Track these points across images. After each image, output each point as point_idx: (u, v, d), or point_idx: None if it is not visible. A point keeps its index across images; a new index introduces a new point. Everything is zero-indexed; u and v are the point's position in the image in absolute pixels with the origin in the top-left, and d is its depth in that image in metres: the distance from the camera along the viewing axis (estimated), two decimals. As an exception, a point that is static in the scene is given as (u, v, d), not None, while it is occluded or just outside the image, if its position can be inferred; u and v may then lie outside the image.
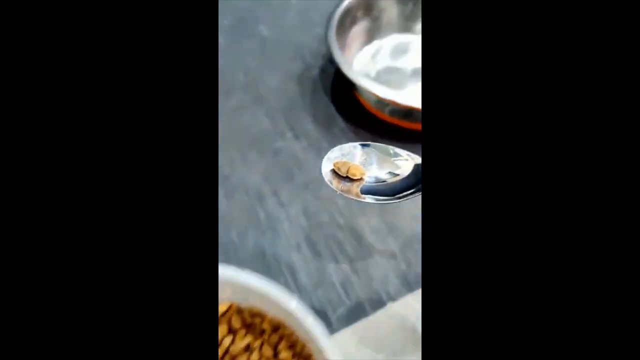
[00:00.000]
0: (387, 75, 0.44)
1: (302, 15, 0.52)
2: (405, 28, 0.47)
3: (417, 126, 0.39)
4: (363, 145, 0.28)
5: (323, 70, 0.46)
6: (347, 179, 0.27)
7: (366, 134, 0.41)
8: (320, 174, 0.28)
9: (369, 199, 0.27)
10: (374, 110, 0.40)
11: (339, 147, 0.28)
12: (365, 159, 0.28)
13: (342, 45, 0.42)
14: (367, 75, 0.44)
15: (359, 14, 0.44)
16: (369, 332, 0.30)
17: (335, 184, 0.27)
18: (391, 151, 0.29)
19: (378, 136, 0.40)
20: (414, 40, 0.47)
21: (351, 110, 0.42)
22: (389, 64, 0.45)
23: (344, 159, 0.28)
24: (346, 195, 0.26)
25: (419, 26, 0.47)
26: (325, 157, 0.28)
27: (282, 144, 0.40)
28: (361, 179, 0.27)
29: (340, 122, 0.42)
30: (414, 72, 0.44)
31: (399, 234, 0.35)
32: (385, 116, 0.39)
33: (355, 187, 0.27)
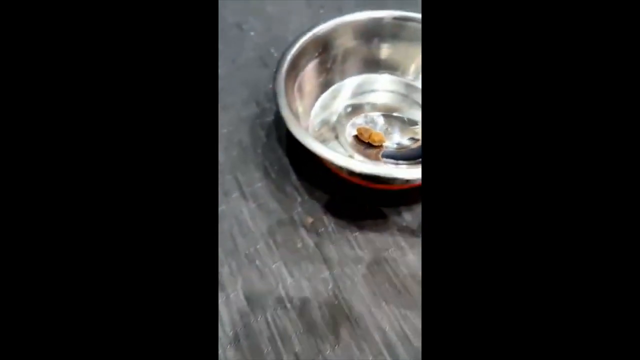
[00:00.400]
0: (345, 122, 0.39)
1: (260, 50, 0.47)
2: (369, 66, 0.42)
3: (382, 186, 0.34)
4: (385, 115, 0.31)
5: (279, 116, 0.42)
6: (369, 145, 0.30)
7: (323, 195, 0.35)
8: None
9: (390, 163, 0.30)
10: (332, 167, 0.35)
11: (363, 114, 0.31)
12: (387, 128, 0.31)
13: (297, 89, 0.38)
14: (327, 123, 0.39)
15: (317, 52, 0.39)
16: None
17: (357, 149, 0.30)
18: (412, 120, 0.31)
19: (338, 196, 0.35)
20: (378, 80, 0.42)
21: (307, 163, 0.37)
22: (351, 107, 0.40)
23: (368, 126, 0.30)
24: (367, 159, 0.30)
25: (384, 63, 0.42)
26: (350, 122, 0.31)
27: (226, 207, 0.35)
28: (381, 146, 0.30)
29: (293, 179, 0.37)
30: (379, 116, 0.39)
31: None
32: (344, 175, 0.34)
33: (376, 153, 0.30)
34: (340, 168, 0.30)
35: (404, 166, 0.32)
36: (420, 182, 0.30)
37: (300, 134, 0.31)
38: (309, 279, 0.31)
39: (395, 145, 0.30)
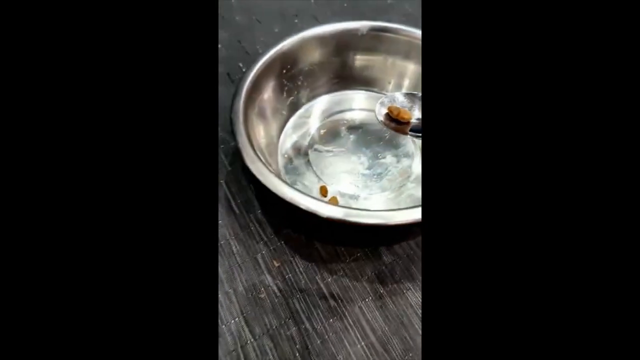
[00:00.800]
0: (321, 146, 0.35)
1: (227, 65, 0.43)
2: (343, 83, 0.38)
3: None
4: (405, 94, 0.32)
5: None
6: (398, 121, 0.32)
7: (292, 233, 0.31)
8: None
9: (415, 136, 0.32)
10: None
11: (390, 95, 0.32)
12: (411, 105, 0.32)
13: (260, 113, 0.33)
14: (298, 148, 0.35)
15: (284, 69, 0.35)
16: None
17: (389, 126, 0.31)
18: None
19: (309, 234, 0.31)
20: (354, 98, 0.38)
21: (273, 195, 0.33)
22: (325, 129, 0.36)
23: (394, 104, 0.32)
24: (398, 134, 0.32)
25: (359, 79, 0.38)
26: (379, 102, 0.32)
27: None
28: (408, 122, 0.31)
29: (259, 213, 0.32)
30: (353, 143, 0.35)
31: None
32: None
33: (406, 128, 0.31)
34: (305, 212, 0.26)
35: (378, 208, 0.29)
36: (395, 222, 0.26)
37: (259, 171, 0.27)
38: (273, 336, 0.27)
39: (419, 121, 0.32)
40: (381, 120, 0.31)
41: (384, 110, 0.32)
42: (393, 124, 0.32)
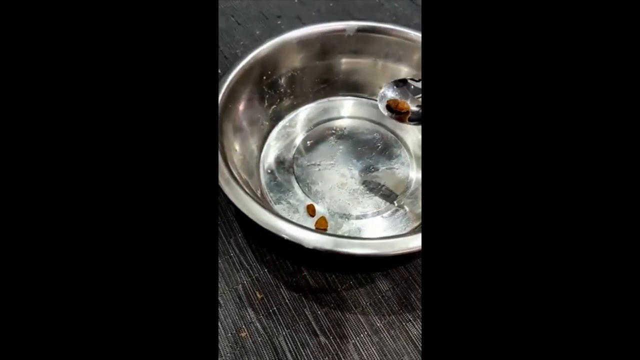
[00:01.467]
0: (307, 159, 0.32)
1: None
2: (329, 90, 0.35)
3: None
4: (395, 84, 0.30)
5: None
6: (397, 112, 0.30)
7: (276, 259, 0.27)
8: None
9: (414, 124, 0.30)
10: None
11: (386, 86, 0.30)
12: (399, 95, 0.30)
13: (237, 127, 0.30)
14: (282, 162, 0.32)
15: (264, 76, 0.31)
16: None
17: (390, 117, 0.30)
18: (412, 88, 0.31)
19: (295, 260, 0.27)
20: (342, 105, 0.35)
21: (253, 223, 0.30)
22: (311, 140, 0.33)
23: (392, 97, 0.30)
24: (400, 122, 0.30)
25: (347, 85, 0.35)
26: (380, 95, 0.30)
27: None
28: (408, 112, 0.30)
29: (239, 237, 0.29)
30: (342, 154, 0.32)
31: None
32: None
33: (405, 117, 0.29)
34: (287, 241, 0.22)
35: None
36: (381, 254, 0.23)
37: (236, 195, 0.23)
38: (256, 383, 0.23)
39: (417, 110, 0.30)
40: (388, 114, 0.30)
41: (385, 103, 0.31)
42: (394, 115, 0.30)
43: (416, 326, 0.25)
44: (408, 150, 0.32)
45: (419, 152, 0.32)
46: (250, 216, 0.23)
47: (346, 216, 0.29)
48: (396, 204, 0.30)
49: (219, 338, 0.25)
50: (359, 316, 0.26)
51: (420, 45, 0.31)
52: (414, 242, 0.22)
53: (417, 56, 0.32)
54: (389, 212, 0.29)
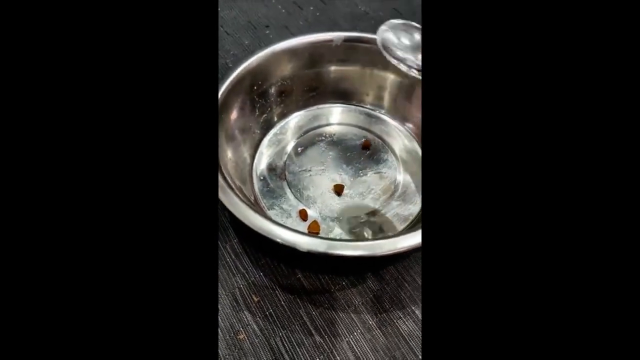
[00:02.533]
0: (299, 165, 0.33)
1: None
2: (319, 98, 0.36)
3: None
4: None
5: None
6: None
7: (271, 262, 0.28)
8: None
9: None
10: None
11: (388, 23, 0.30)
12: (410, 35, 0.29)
13: (230, 135, 0.31)
14: (274, 169, 0.33)
15: (255, 85, 0.32)
16: None
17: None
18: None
19: (290, 263, 0.29)
20: (331, 112, 0.36)
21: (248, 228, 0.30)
22: (302, 146, 0.34)
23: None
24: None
25: (336, 93, 0.36)
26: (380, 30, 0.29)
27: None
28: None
29: (235, 242, 0.30)
30: (332, 160, 0.33)
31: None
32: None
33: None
34: (281, 245, 0.23)
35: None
36: (375, 254, 0.24)
37: (231, 202, 0.24)
38: (255, 382, 0.24)
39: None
40: (383, 50, 0.28)
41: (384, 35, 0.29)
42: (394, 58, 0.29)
43: (406, 323, 0.26)
44: (395, 154, 0.34)
45: (405, 156, 0.34)
46: (246, 222, 0.24)
47: (337, 220, 0.30)
48: (385, 207, 0.31)
49: (220, 341, 0.25)
50: (351, 315, 0.27)
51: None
52: (402, 243, 0.23)
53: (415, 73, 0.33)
54: (379, 214, 0.30)
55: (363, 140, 0.34)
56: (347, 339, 0.26)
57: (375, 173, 0.33)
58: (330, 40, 0.33)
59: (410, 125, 0.35)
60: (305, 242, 0.23)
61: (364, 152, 0.34)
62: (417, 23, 0.42)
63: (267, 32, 0.45)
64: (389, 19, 0.46)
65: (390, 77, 0.34)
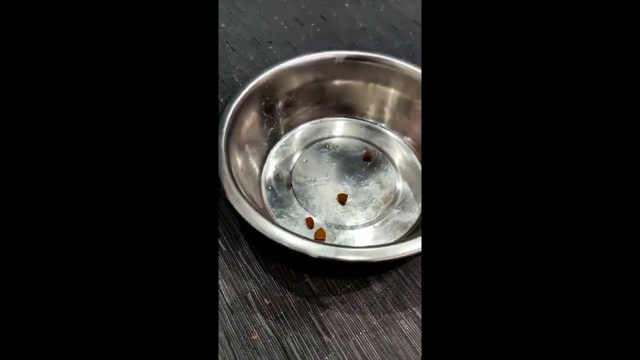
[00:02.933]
0: (304, 176, 0.35)
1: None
2: (323, 112, 0.38)
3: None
4: None
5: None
6: None
7: (281, 268, 0.30)
8: None
9: None
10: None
11: None
12: None
13: (241, 146, 0.33)
14: (281, 179, 0.35)
15: (263, 101, 0.35)
16: None
17: None
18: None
19: (299, 268, 0.30)
20: (335, 125, 0.38)
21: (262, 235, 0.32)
22: (307, 159, 0.36)
23: None
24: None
25: (339, 107, 0.38)
26: None
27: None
28: None
29: (246, 249, 0.32)
30: (336, 170, 0.35)
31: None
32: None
33: None
34: (292, 251, 0.25)
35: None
36: (377, 259, 0.26)
37: (245, 212, 0.26)
38: (269, 380, 0.26)
39: None
40: None
41: None
42: None
43: (408, 323, 0.28)
44: (394, 165, 0.36)
45: (405, 167, 0.36)
46: (260, 230, 0.26)
47: (341, 227, 0.32)
48: (386, 215, 0.33)
49: (233, 342, 0.27)
50: (357, 316, 0.29)
51: (403, 71, 0.35)
52: (403, 249, 0.25)
53: (404, 81, 0.35)
54: (379, 222, 0.32)
55: (364, 151, 0.36)
56: (353, 338, 0.28)
57: (376, 183, 0.35)
58: (333, 59, 0.36)
59: (409, 139, 0.37)
60: (315, 249, 0.25)
61: (366, 163, 0.36)
62: (413, 39, 0.44)
63: (271, 47, 0.47)
64: (386, 34, 0.49)
65: (391, 92, 0.37)
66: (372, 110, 0.37)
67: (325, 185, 0.34)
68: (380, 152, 0.36)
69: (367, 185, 0.34)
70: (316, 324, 0.28)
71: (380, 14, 0.52)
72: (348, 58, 0.36)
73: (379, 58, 0.35)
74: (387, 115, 0.37)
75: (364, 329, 0.28)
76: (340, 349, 0.27)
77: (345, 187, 0.34)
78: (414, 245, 0.25)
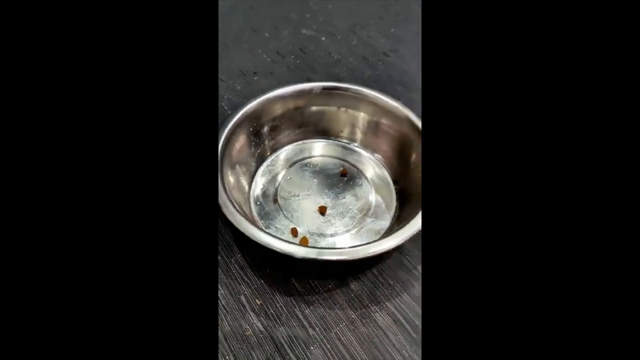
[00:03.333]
0: (288, 191, 0.39)
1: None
2: (304, 135, 0.43)
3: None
4: None
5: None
6: None
7: (270, 272, 0.34)
8: None
9: None
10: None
11: None
12: None
13: (232, 165, 0.37)
14: (267, 195, 0.39)
15: (251, 127, 0.40)
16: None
17: None
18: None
19: (286, 271, 0.35)
20: (314, 146, 0.43)
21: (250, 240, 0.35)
22: (291, 176, 0.41)
23: None
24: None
25: (317, 131, 0.43)
26: None
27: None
28: None
29: (239, 257, 0.36)
30: (317, 186, 0.40)
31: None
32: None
33: None
34: (280, 255, 0.29)
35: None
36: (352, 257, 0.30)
37: (239, 224, 0.30)
38: (262, 369, 0.30)
39: None
40: None
41: None
42: None
43: (382, 316, 0.32)
44: (367, 179, 0.41)
45: (377, 181, 0.41)
46: (252, 238, 0.30)
47: (322, 235, 0.36)
48: (361, 223, 0.37)
49: (229, 338, 0.31)
50: (337, 311, 0.32)
51: (370, 98, 0.40)
52: (375, 248, 0.30)
53: (371, 106, 0.41)
54: (356, 229, 0.37)
55: (341, 169, 0.41)
56: (334, 330, 0.31)
57: (352, 196, 0.39)
58: (311, 89, 0.41)
59: (379, 155, 0.42)
60: (300, 251, 0.29)
61: (342, 178, 0.41)
62: (382, 69, 0.48)
63: (256, 78, 0.52)
64: (357, 65, 0.55)
65: (360, 116, 0.42)
66: (345, 132, 0.42)
67: (307, 199, 0.39)
68: (355, 168, 0.41)
69: (344, 198, 0.39)
70: (302, 319, 0.32)
71: (353, 46, 0.58)
72: (324, 88, 0.41)
73: (349, 87, 0.41)
74: (359, 136, 0.42)
75: (344, 322, 0.32)
76: (324, 339, 0.31)
77: (325, 200, 0.39)
78: (383, 245, 0.30)
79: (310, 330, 0.32)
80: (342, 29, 0.61)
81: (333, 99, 0.41)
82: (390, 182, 0.40)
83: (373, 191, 0.40)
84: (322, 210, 0.38)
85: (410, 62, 0.55)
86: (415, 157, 0.38)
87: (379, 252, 0.29)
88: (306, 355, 0.30)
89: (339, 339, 0.31)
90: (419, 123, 0.37)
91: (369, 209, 0.38)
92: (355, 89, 0.41)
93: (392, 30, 0.61)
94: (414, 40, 0.59)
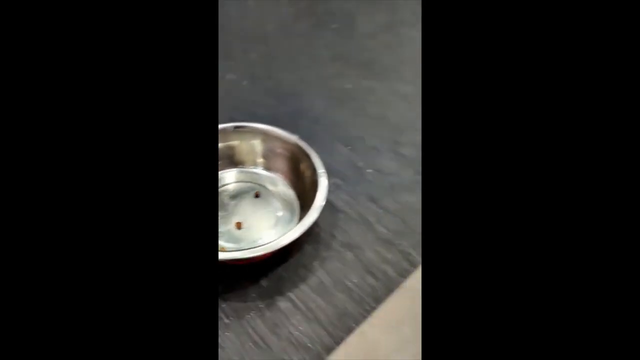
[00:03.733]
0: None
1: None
2: (224, 166, 0.51)
3: (240, 263, 0.42)
4: None
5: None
6: None
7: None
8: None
9: None
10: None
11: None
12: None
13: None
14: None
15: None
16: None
17: None
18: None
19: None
20: (230, 175, 0.51)
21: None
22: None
23: None
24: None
25: (233, 161, 0.52)
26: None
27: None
28: None
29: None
30: (232, 205, 0.48)
31: None
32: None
33: None
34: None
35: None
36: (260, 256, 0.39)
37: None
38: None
39: None
40: None
41: None
42: None
43: (285, 303, 0.40)
44: (277, 198, 0.49)
45: (285, 199, 0.49)
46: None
47: (239, 245, 0.44)
48: (269, 235, 0.46)
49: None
50: (250, 303, 0.40)
51: (264, 130, 0.50)
52: (258, 252, 0.39)
53: (266, 136, 0.50)
54: (266, 239, 0.45)
55: (255, 191, 0.50)
56: (246, 317, 0.39)
57: (264, 213, 0.48)
58: (226, 128, 0.50)
59: (282, 175, 0.51)
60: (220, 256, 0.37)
61: (256, 199, 0.49)
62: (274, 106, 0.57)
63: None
64: (263, 104, 0.64)
65: (258, 144, 0.51)
66: (256, 160, 0.52)
67: (226, 218, 0.47)
68: (265, 189, 0.50)
69: (257, 214, 0.47)
70: (220, 312, 0.39)
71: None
72: (235, 127, 0.50)
73: (255, 127, 0.51)
74: (266, 163, 0.51)
75: (253, 311, 0.39)
76: (236, 326, 0.38)
77: (242, 217, 0.47)
78: (279, 243, 0.39)
79: (225, 319, 0.39)
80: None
81: (243, 134, 0.51)
82: (292, 193, 0.49)
83: (281, 208, 0.48)
84: (238, 226, 0.46)
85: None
86: (303, 167, 0.47)
87: (277, 248, 0.38)
88: (222, 339, 0.37)
89: (249, 324, 0.39)
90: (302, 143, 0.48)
91: (277, 223, 0.47)
92: (262, 128, 0.51)
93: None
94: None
